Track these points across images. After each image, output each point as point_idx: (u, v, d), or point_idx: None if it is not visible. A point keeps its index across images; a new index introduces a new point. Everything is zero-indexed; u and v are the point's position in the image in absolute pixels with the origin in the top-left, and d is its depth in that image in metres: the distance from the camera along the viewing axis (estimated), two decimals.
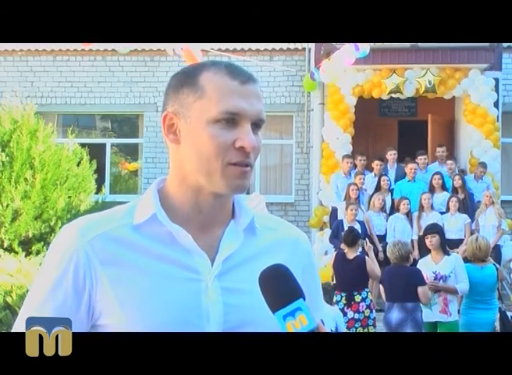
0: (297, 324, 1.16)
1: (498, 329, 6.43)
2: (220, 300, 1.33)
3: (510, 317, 6.62)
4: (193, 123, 1.32)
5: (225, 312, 1.33)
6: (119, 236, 1.33)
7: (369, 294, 7.31)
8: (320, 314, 1.49)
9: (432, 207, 9.85)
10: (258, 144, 1.32)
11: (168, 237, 1.33)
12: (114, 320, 1.30)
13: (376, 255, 8.64)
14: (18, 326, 1.30)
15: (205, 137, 1.30)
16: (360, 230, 8.77)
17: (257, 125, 1.33)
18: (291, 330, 1.16)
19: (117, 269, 1.31)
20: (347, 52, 10.01)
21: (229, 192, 1.35)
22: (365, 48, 9.88)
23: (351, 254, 7.50)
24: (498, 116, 11.57)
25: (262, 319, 1.29)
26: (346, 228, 9.08)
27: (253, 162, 1.33)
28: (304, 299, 1.19)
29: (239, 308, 1.33)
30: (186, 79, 1.35)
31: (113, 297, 1.30)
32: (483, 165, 10.97)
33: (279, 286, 1.21)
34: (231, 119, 1.30)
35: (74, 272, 1.30)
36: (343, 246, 8.22)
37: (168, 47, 10.73)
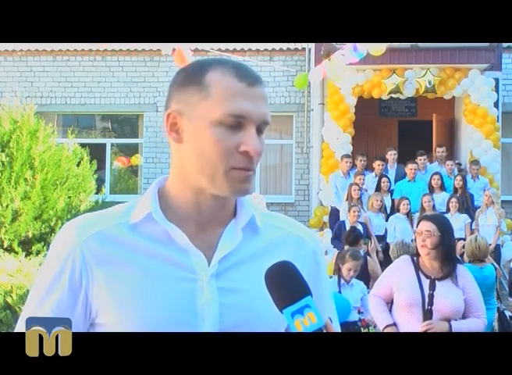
0: (306, 321, 1.15)
1: (496, 329, 6.43)
2: (216, 300, 1.31)
3: (508, 317, 6.61)
4: (197, 123, 1.29)
5: (221, 312, 1.31)
6: (115, 235, 1.32)
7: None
8: (328, 313, 1.47)
9: (434, 208, 9.85)
10: (262, 148, 1.30)
11: (164, 236, 1.32)
12: (110, 319, 1.30)
13: (376, 255, 8.65)
14: (20, 326, 1.30)
15: (209, 139, 1.28)
16: (362, 232, 8.77)
17: (261, 128, 1.31)
18: (300, 327, 1.15)
19: (113, 268, 1.30)
20: (349, 52, 9.99)
21: (232, 196, 1.33)
22: (363, 49, 9.89)
23: None
24: (498, 116, 11.57)
25: (259, 320, 1.29)
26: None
27: (255, 166, 1.31)
28: (312, 296, 1.19)
29: (235, 308, 1.32)
30: (192, 77, 1.31)
31: (109, 296, 1.30)
32: (476, 162, 11.00)
33: (287, 283, 1.19)
34: (236, 122, 1.27)
35: (71, 271, 1.31)
36: (344, 246, 8.22)
37: (165, 48, 10.69)
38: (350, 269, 6.19)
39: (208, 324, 1.30)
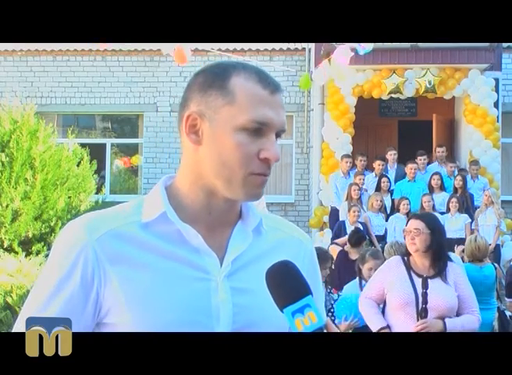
0: (306, 321, 1.15)
1: (496, 328, 6.43)
2: (230, 300, 1.32)
3: (508, 317, 6.62)
4: (219, 127, 1.30)
5: (235, 312, 1.32)
6: (128, 234, 1.31)
7: None
8: (323, 314, 1.49)
9: (433, 208, 9.84)
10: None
11: (177, 236, 1.32)
12: (121, 319, 1.29)
13: None
14: (19, 326, 1.28)
15: (230, 143, 1.29)
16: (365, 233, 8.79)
17: (278, 134, 1.34)
18: (300, 326, 1.15)
19: (126, 267, 1.29)
20: (343, 52, 10.00)
21: (246, 200, 1.35)
22: (369, 44, 9.91)
23: (354, 255, 7.50)
24: (498, 116, 11.57)
25: (271, 319, 1.29)
26: (348, 229, 9.07)
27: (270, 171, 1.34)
28: (312, 296, 1.19)
29: (248, 308, 1.33)
30: (214, 80, 1.32)
31: (121, 296, 1.29)
32: (475, 163, 11.00)
33: (288, 282, 1.20)
34: (258, 129, 1.30)
35: (82, 269, 1.29)
36: (346, 246, 8.22)
37: (165, 48, 10.68)
38: (371, 268, 6.08)
39: (222, 324, 1.31)
